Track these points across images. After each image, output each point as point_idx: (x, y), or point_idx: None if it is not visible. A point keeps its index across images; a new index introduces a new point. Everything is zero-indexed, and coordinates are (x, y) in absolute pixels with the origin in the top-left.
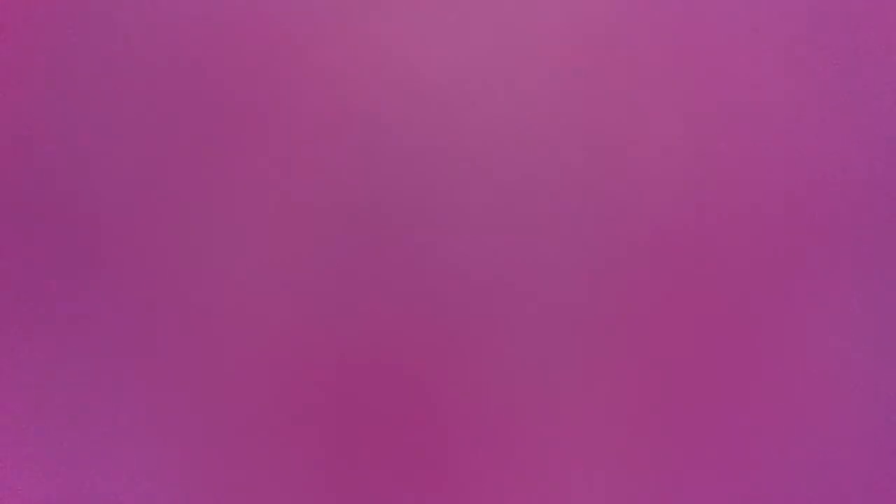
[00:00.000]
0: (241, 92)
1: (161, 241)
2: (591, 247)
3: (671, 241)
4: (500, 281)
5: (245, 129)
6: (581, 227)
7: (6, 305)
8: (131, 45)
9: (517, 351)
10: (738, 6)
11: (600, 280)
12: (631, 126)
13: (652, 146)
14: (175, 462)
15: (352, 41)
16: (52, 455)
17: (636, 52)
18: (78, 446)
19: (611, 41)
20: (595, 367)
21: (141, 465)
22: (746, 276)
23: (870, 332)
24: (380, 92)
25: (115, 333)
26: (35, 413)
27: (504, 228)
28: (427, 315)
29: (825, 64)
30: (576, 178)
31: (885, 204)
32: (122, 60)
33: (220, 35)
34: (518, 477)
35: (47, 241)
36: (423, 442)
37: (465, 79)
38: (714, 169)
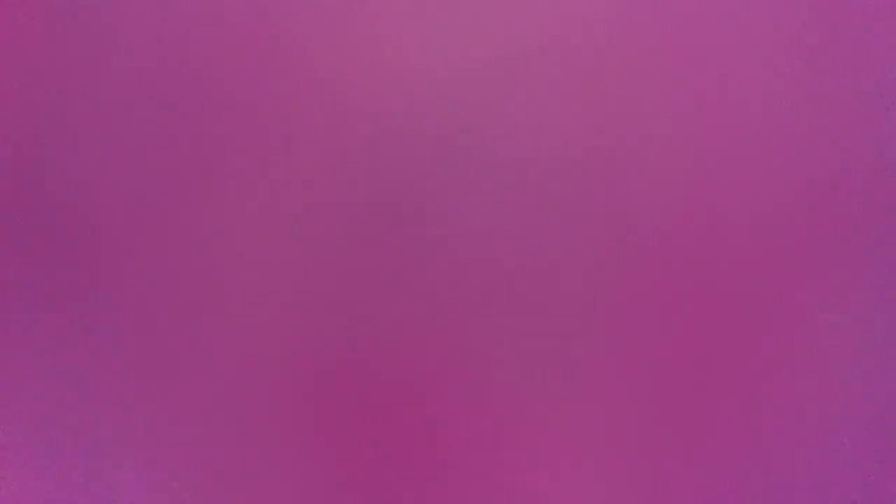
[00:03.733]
0: (241, 91)
1: (161, 242)
2: (593, 247)
3: (673, 242)
4: (502, 281)
5: (245, 129)
6: (584, 227)
7: (6, 306)
8: (130, 45)
9: (520, 352)
10: (740, 6)
11: (603, 280)
12: (634, 126)
13: (655, 147)
14: (175, 463)
15: (352, 41)
16: (51, 456)
17: (639, 52)
18: (77, 447)
19: (613, 40)
20: (597, 366)
21: (141, 466)
22: (748, 276)
23: (871, 333)
24: (380, 92)
25: (116, 334)
26: (34, 414)
27: (505, 228)
28: (428, 315)
29: (828, 63)
30: (579, 177)
31: (887, 204)
32: (121, 60)
33: (220, 35)
34: (519, 477)
35: (48, 242)
36: (424, 442)
37: (466, 79)
38: (717, 169)
